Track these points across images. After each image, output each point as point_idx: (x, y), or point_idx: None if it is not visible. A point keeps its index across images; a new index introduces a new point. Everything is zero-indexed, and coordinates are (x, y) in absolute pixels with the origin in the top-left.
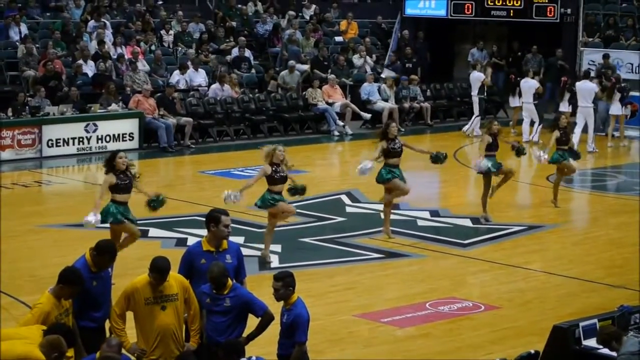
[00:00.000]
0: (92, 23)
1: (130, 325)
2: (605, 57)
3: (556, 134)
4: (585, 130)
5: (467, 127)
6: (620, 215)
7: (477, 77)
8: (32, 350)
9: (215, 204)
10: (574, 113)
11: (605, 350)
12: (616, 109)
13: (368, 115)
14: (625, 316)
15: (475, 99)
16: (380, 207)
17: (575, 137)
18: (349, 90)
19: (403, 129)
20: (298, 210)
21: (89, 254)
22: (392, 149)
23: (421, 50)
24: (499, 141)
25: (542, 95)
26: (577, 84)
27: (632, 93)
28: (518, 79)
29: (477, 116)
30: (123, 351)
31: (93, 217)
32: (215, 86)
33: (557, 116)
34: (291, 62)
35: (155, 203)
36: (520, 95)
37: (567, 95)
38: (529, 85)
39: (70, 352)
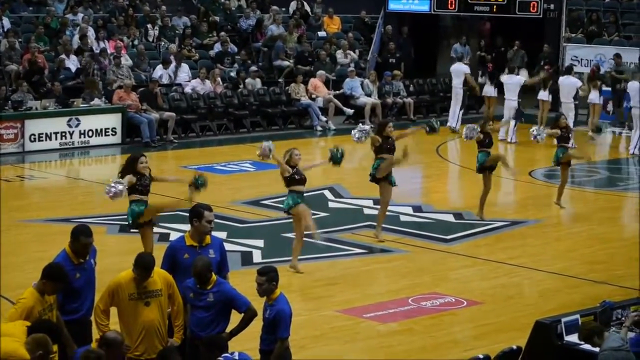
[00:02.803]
0: (71, 16)
1: (114, 320)
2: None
3: (557, 132)
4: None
5: (451, 122)
6: (602, 211)
7: (462, 70)
8: (18, 348)
9: (197, 199)
10: (553, 106)
11: (587, 346)
12: (594, 97)
13: (351, 111)
14: (607, 312)
15: (459, 91)
16: (363, 202)
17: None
18: (332, 85)
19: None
20: (279, 206)
21: (68, 247)
22: (385, 145)
23: (404, 46)
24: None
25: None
26: (560, 79)
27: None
28: (493, 67)
29: (461, 109)
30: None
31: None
32: (195, 81)
33: (558, 115)
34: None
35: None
36: (497, 87)
37: (549, 84)
38: (515, 81)
39: (54, 347)
